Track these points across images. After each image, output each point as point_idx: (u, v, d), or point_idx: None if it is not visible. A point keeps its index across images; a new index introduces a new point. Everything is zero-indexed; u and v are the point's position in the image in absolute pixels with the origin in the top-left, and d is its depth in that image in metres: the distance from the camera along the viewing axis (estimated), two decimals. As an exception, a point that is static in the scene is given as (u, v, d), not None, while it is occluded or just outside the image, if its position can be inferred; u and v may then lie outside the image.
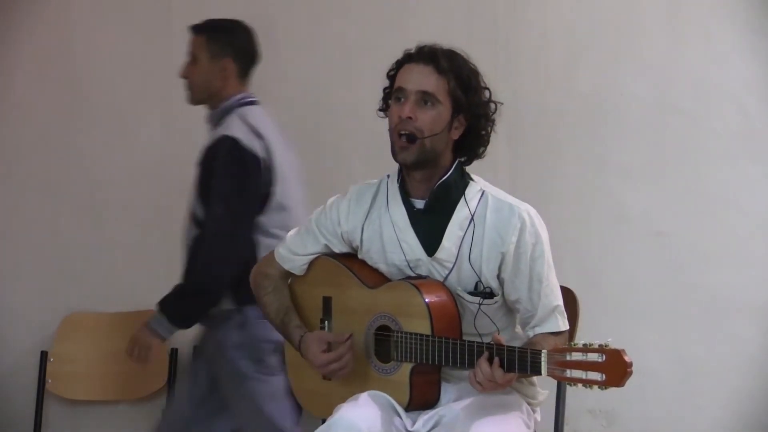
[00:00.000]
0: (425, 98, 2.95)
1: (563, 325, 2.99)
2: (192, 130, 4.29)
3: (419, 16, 4.20)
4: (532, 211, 3.00)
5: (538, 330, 2.98)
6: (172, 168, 4.30)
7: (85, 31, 4.34)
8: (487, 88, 3.02)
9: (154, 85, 4.32)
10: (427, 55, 2.97)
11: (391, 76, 3.05)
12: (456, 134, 3.00)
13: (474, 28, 4.15)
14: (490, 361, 2.77)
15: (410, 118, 2.93)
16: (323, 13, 4.26)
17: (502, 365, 2.76)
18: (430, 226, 3.00)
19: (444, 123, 2.96)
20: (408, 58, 3.01)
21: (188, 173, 4.27)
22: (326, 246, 3.17)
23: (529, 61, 4.15)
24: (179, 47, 4.29)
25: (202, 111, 4.28)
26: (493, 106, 3.03)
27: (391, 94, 3.02)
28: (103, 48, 4.34)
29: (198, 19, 4.28)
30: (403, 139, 2.94)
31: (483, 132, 3.03)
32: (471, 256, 2.96)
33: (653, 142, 4.09)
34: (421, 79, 2.95)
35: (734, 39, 4.04)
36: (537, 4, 4.16)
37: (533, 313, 2.98)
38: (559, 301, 3.00)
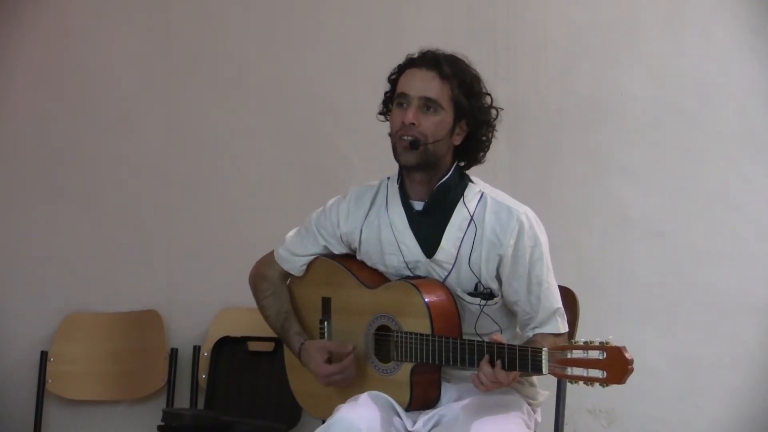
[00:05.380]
0: (428, 104, 2.94)
1: (563, 327, 3.00)
2: (192, 130, 4.30)
3: (419, 16, 4.19)
4: (531, 214, 3.00)
5: (538, 331, 2.98)
6: (173, 168, 4.30)
7: (85, 31, 4.33)
8: (489, 94, 3.03)
9: (154, 85, 4.31)
10: (431, 61, 2.97)
11: (393, 80, 3.05)
12: (458, 140, 3.00)
13: (474, 28, 4.15)
14: (492, 363, 2.77)
15: (413, 124, 2.93)
16: (323, 13, 4.26)
17: (503, 365, 2.76)
18: (428, 228, 3.01)
19: (446, 129, 2.97)
20: (410, 63, 3.01)
21: (189, 173, 4.28)
22: (325, 247, 3.18)
23: (529, 61, 4.15)
24: (179, 47, 4.31)
25: (202, 111, 4.29)
26: (494, 112, 3.03)
27: (393, 99, 3.02)
28: (103, 48, 4.33)
29: (197, 19, 4.30)
30: (406, 140, 2.94)
31: (484, 138, 3.04)
32: (470, 257, 2.96)
33: (653, 142, 4.09)
34: (424, 85, 2.95)
35: (734, 39, 4.03)
36: (537, 4, 4.16)
37: (533, 316, 2.98)
38: (559, 303, 3.00)
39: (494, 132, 3.04)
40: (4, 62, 4.33)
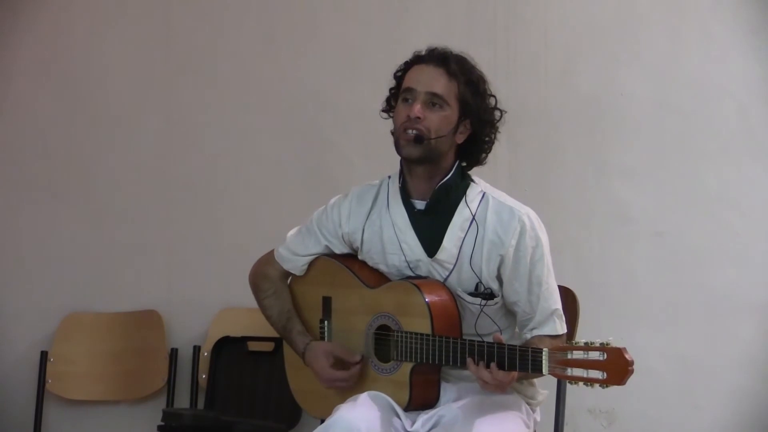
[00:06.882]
0: (434, 100, 2.95)
1: (561, 328, 3.00)
2: (192, 130, 4.30)
3: (419, 16, 4.19)
4: (533, 215, 3.00)
5: (536, 332, 2.98)
6: (172, 168, 4.30)
7: (85, 31, 4.33)
8: (494, 96, 3.03)
9: (154, 84, 4.31)
10: (439, 58, 2.98)
11: (399, 76, 3.05)
12: (460, 138, 3.00)
13: (474, 28, 4.15)
14: (487, 365, 2.77)
15: (419, 117, 2.93)
16: (323, 13, 4.26)
17: (502, 365, 2.75)
18: (430, 227, 3.01)
19: (451, 125, 2.97)
20: (418, 59, 3.01)
21: (188, 172, 4.28)
22: (327, 247, 3.17)
23: (529, 61, 4.15)
24: (179, 47, 4.30)
25: (202, 111, 4.29)
26: (498, 113, 3.03)
27: (398, 95, 3.02)
28: (103, 48, 4.33)
29: (197, 19, 4.30)
30: (410, 134, 2.93)
31: (486, 138, 3.04)
32: (472, 257, 2.96)
33: (653, 142, 4.09)
34: (431, 80, 2.95)
35: (734, 39, 4.03)
36: (537, 4, 4.16)
37: (531, 316, 2.98)
38: (558, 304, 3.00)
39: (497, 134, 3.04)
40: (3, 62, 4.33)
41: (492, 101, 3.02)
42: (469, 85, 2.97)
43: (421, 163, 2.97)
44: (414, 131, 2.93)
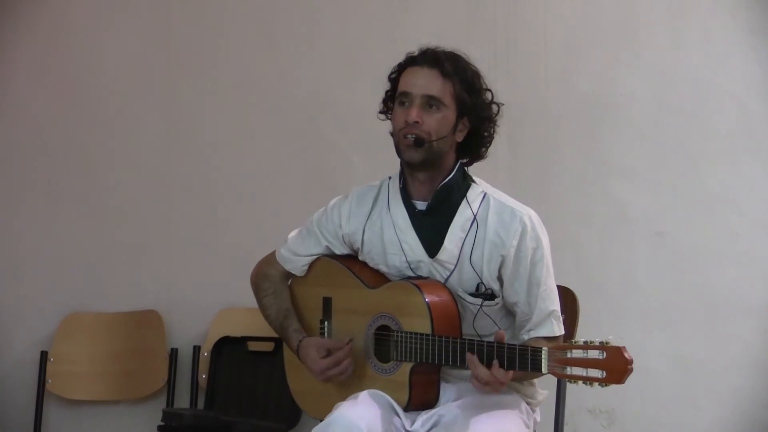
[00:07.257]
0: (431, 102, 2.94)
1: (558, 330, 2.99)
2: (192, 130, 4.30)
3: (419, 16, 4.19)
4: (534, 216, 3.00)
5: (533, 334, 2.98)
6: (173, 168, 4.30)
7: (85, 31, 4.33)
8: (489, 90, 3.03)
9: (154, 84, 4.31)
10: (431, 59, 2.97)
11: (393, 78, 3.05)
12: (460, 136, 3.00)
13: (474, 28, 4.15)
14: (488, 364, 2.77)
15: (417, 122, 2.93)
16: (323, 12, 4.26)
17: (502, 364, 2.75)
18: (431, 228, 3.00)
19: (449, 126, 2.96)
20: (411, 61, 3.00)
21: (188, 173, 4.28)
22: (327, 248, 3.17)
23: (529, 61, 4.15)
24: (179, 47, 4.31)
25: (201, 111, 4.29)
26: (495, 107, 3.03)
27: (394, 98, 3.02)
28: (102, 48, 4.33)
29: (197, 19, 4.30)
30: (409, 138, 2.94)
31: (486, 133, 3.03)
32: (472, 257, 2.96)
33: (653, 142, 4.09)
34: (426, 83, 2.95)
35: (734, 39, 4.04)
36: (537, 4, 4.16)
37: (529, 317, 2.98)
38: (556, 306, 3.00)
39: (496, 127, 3.04)
40: (3, 62, 4.33)
41: (488, 95, 3.02)
42: (464, 83, 2.96)
43: (423, 166, 2.97)
44: (413, 136, 2.93)
